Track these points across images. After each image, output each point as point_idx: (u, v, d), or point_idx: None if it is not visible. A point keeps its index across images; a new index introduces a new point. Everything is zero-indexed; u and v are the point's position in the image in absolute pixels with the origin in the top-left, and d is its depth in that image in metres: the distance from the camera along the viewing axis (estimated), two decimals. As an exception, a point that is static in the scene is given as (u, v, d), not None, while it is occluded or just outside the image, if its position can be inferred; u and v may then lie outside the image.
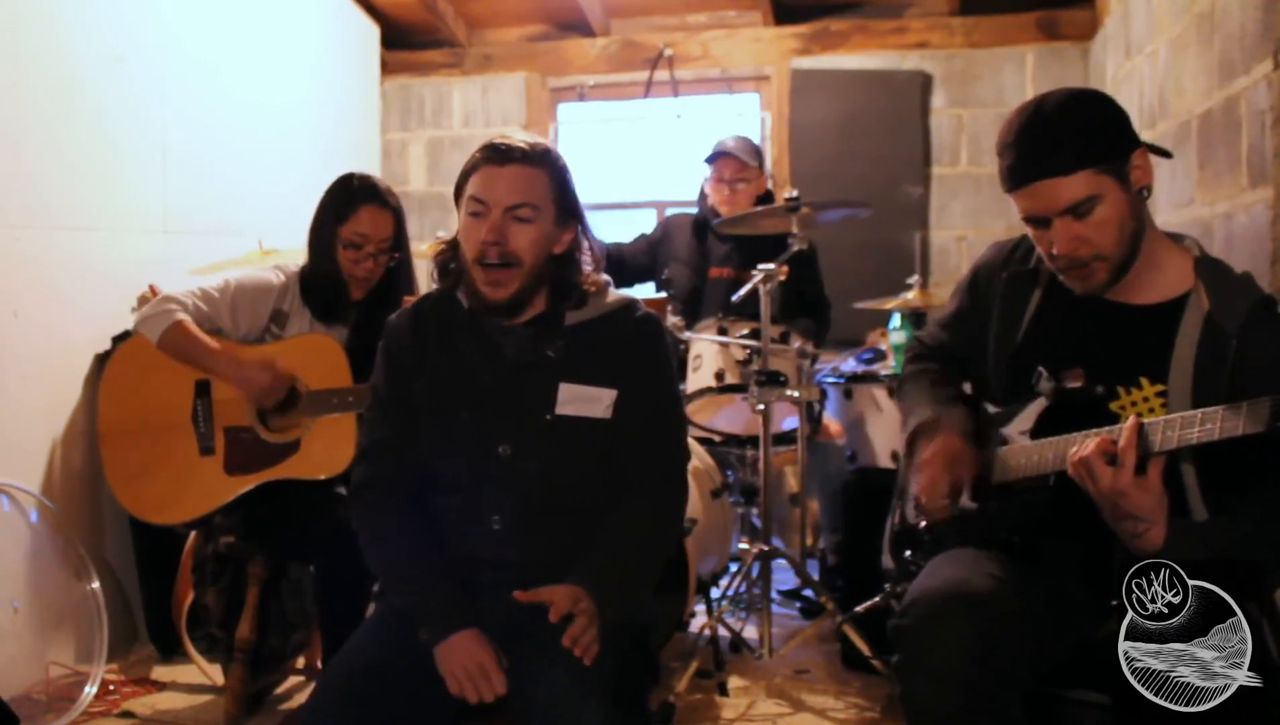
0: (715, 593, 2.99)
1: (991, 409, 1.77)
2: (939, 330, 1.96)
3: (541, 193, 1.67)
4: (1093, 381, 1.63)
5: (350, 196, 2.50)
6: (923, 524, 1.80)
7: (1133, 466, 1.44)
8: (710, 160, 3.63)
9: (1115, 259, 1.59)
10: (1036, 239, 1.65)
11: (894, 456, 3.21)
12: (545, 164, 1.68)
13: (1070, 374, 1.63)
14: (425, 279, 3.17)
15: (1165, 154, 1.68)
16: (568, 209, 1.72)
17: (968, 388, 1.89)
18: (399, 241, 2.55)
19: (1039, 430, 1.65)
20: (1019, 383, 1.69)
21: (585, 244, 1.76)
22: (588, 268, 1.76)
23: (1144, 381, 1.61)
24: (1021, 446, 1.66)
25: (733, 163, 3.58)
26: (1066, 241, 1.57)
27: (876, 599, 2.74)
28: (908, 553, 1.84)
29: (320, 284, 2.54)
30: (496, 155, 1.66)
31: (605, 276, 1.82)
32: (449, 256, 1.76)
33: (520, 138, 1.69)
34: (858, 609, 2.79)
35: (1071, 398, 1.62)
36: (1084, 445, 1.49)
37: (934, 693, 1.46)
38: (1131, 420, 1.46)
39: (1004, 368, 1.74)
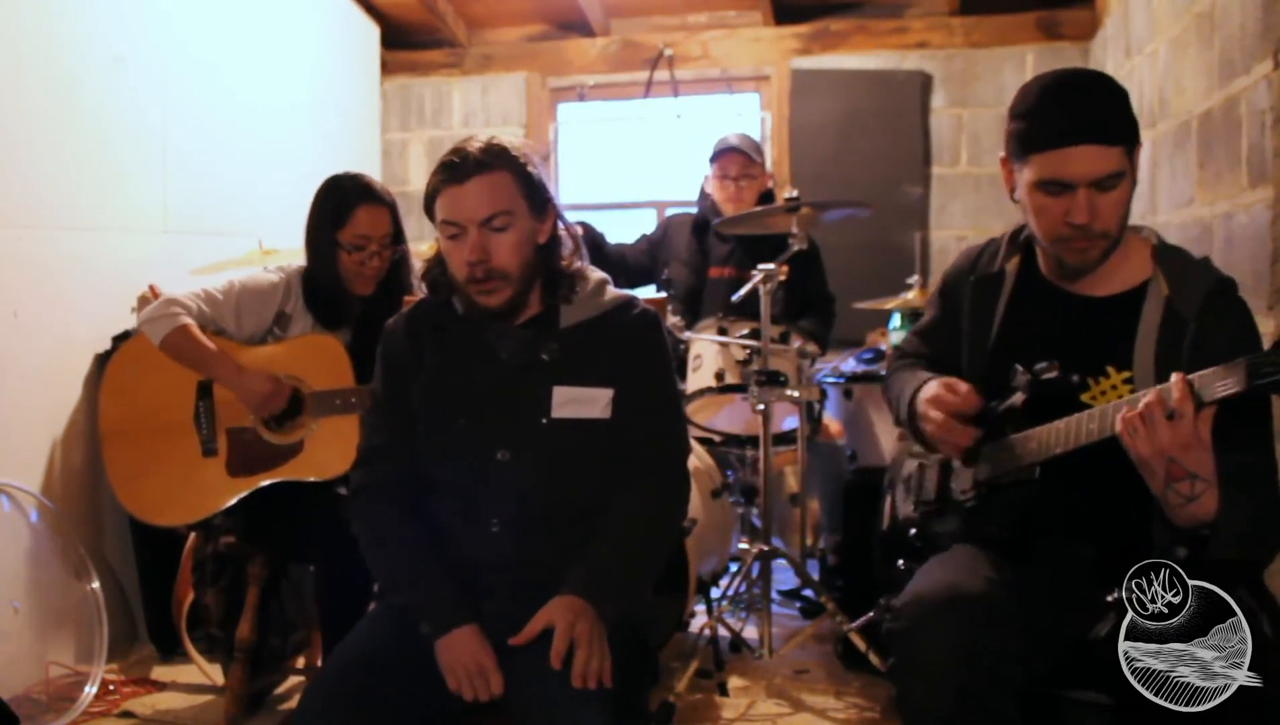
0: (715, 593, 2.99)
1: None
2: (917, 340, 1.97)
3: (509, 195, 1.65)
4: (1069, 369, 1.63)
5: (344, 199, 2.49)
6: (949, 476, 1.78)
7: (1192, 417, 1.39)
8: (715, 157, 3.59)
9: (1112, 240, 1.61)
10: (1043, 207, 1.60)
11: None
12: (504, 164, 1.65)
13: (1046, 367, 1.63)
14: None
15: None
16: (540, 199, 1.69)
17: None
18: (398, 234, 2.55)
19: (1020, 424, 1.65)
20: (995, 383, 1.69)
21: (561, 227, 1.75)
22: (568, 250, 1.75)
23: (1110, 370, 1.63)
24: (1004, 441, 1.67)
25: (739, 159, 3.54)
26: (1088, 211, 1.56)
27: (871, 614, 2.72)
28: (900, 561, 1.84)
29: (320, 291, 2.53)
30: (454, 173, 1.63)
31: (601, 273, 1.81)
32: (437, 272, 1.75)
33: (473, 145, 1.65)
34: (851, 626, 2.77)
35: (1046, 390, 1.62)
36: (1134, 402, 1.44)
37: (928, 694, 1.47)
38: (1177, 376, 1.41)
39: (980, 370, 1.74)
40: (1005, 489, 1.67)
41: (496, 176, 1.64)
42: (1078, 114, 1.56)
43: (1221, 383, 1.38)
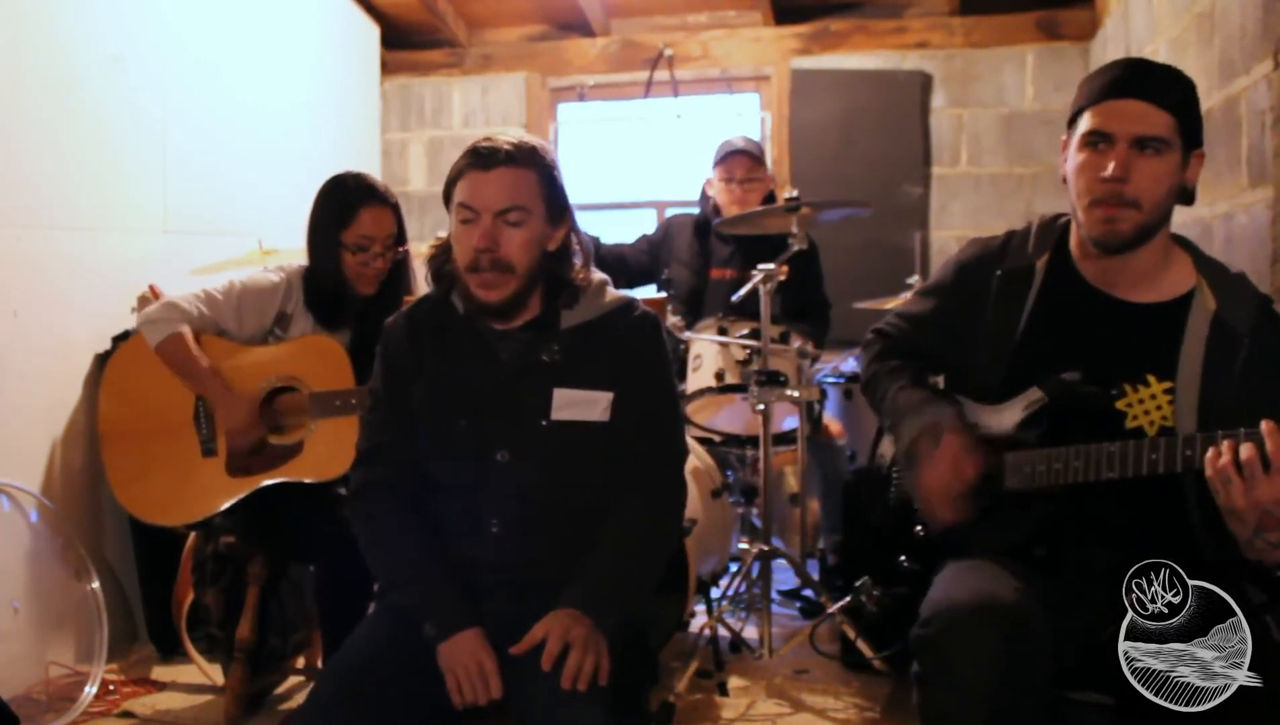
0: (715, 593, 2.99)
1: (972, 403, 1.73)
2: (909, 327, 1.89)
3: (530, 193, 1.65)
4: (1097, 379, 1.61)
5: (348, 199, 2.48)
6: (925, 529, 1.77)
7: None
8: (720, 159, 3.55)
9: (1146, 217, 1.58)
10: (1083, 165, 1.60)
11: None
12: (532, 163, 1.66)
13: (1077, 380, 1.61)
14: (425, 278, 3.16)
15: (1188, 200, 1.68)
16: (558, 206, 1.70)
17: (940, 382, 1.84)
18: (401, 235, 2.55)
19: (1045, 433, 1.62)
20: (1017, 381, 1.67)
21: (575, 239, 1.75)
22: (578, 262, 1.75)
23: (1151, 379, 1.60)
24: (1038, 453, 1.61)
25: (745, 161, 3.51)
26: (1123, 167, 1.55)
27: (848, 598, 2.71)
28: (902, 557, 1.82)
29: (322, 292, 2.53)
30: (481, 160, 1.64)
31: (602, 275, 1.81)
32: (443, 260, 1.75)
33: (505, 138, 1.66)
34: (830, 610, 2.78)
35: (1078, 400, 1.60)
36: (1223, 450, 1.40)
37: (958, 705, 1.44)
38: (1269, 425, 1.38)
39: (1001, 366, 1.70)
40: (1031, 499, 1.64)
41: (522, 173, 1.65)
42: (1132, 71, 1.59)
43: None
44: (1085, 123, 1.60)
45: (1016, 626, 1.44)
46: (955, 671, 1.44)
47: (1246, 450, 1.38)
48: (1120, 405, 1.61)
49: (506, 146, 1.64)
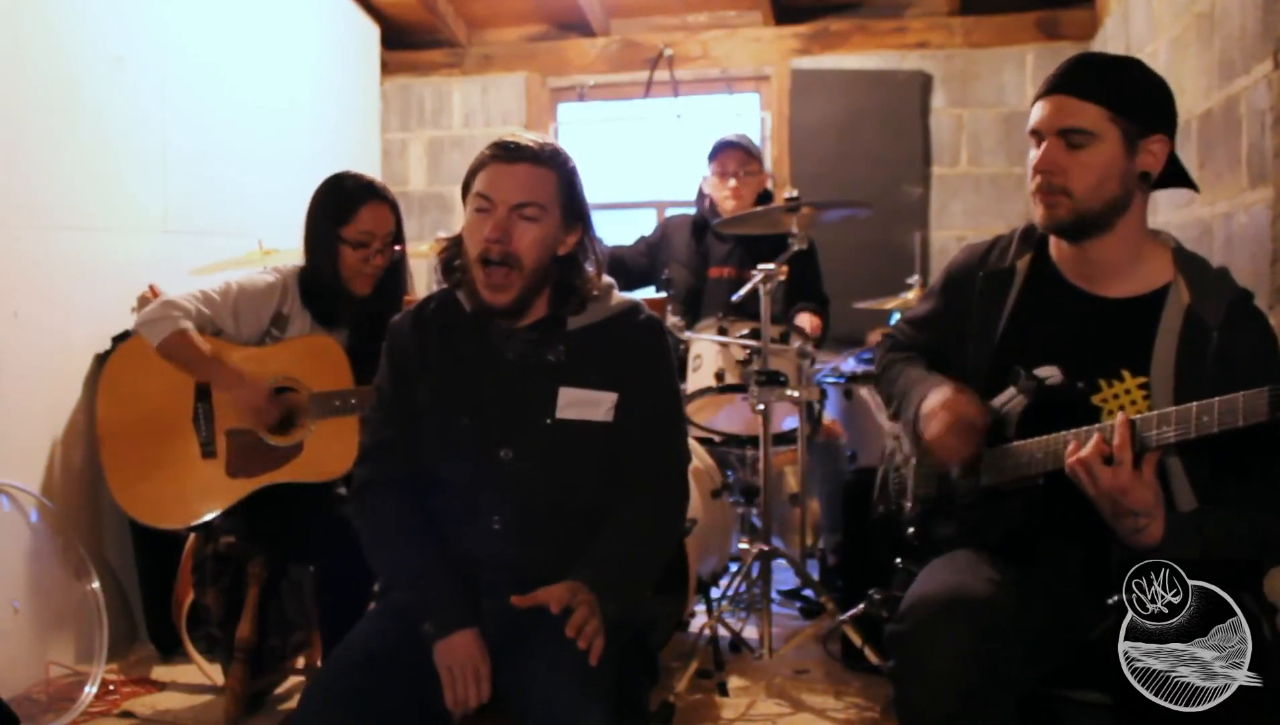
0: (715, 593, 2.99)
1: None
2: (912, 329, 1.95)
3: (548, 193, 1.67)
4: (1073, 375, 1.62)
5: (348, 197, 2.48)
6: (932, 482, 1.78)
7: (1130, 464, 1.43)
8: (713, 155, 3.58)
9: (1081, 204, 1.60)
10: (1030, 159, 1.65)
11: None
12: (554, 164, 1.68)
13: (1049, 371, 1.62)
14: (425, 278, 3.17)
15: (1191, 186, 1.70)
16: (574, 211, 1.71)
17: None
18: (399, 235, 2.55)
19: (1022, 429, 1.64)
20: (999, 381, 1.68)
21: (589, 247, 1.76)
22: (590, 271, 1.76)
23: (1125, 374, 1.61)
24: (1008, 447, 1.65)
25: (737, 154, 3.54)
26: (1046, 160, 1.60)
27: (862, 605, 2.73)
28: (898, 559, 1.83)
29: (320, 289, 2.53)
30: (506, 153, 1.66)
31: (610, 278, 1.82)
32: (453, 253, 1.76)
33: (530, 137, 1.69)
34: (842, 617, 2.79)
35: (1052, 395, 1.62)
36: (1080, 446, 1.48)
37: (930, 698, 1.46)
38: (1122, 417, 1.45)
39: (984, 366, 1.73)
40: (1009, 495, 1.66)
41: (544, 172, 1.67)
42: (1063, 69, 1.62)
43: (1239, 414, 1.35)
44: (1029, 121, 1.65)
45: (985, 618, 1.46)
46: (925, 664, 1.46)
47: (1090, 445, 1.46)
48: (1096, 400, 1.62)
49: (532, 144, 1.67)
